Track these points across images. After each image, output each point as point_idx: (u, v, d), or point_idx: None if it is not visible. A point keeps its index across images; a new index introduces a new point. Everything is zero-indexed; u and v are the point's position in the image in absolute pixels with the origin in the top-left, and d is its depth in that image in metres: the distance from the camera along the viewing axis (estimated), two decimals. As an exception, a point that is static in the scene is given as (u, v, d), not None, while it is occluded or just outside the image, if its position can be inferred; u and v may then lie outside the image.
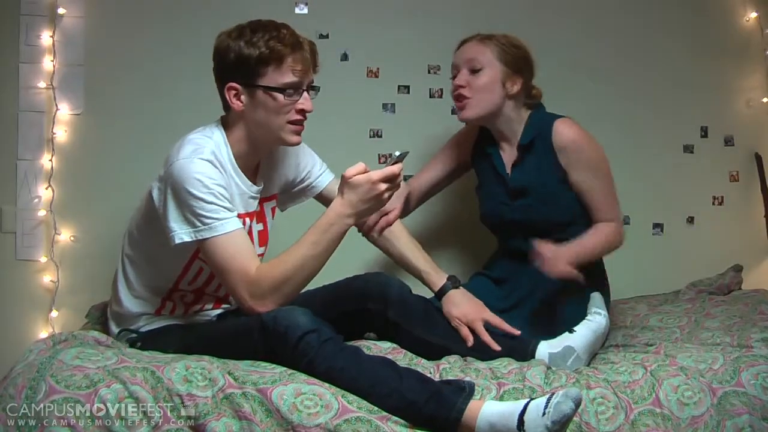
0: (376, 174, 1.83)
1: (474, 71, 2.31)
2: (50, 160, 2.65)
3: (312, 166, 2.23)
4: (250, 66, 1.92)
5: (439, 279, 2.20)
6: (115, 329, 2.12)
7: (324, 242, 1.87)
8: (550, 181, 2.31)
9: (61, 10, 2.67)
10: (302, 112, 1.98)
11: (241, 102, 1.96)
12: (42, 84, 2.66)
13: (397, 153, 1.87)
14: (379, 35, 2.85)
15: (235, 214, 1.93)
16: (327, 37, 2.77)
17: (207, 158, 1.92)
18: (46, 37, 2.66)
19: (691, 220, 3.01)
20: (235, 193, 2.00)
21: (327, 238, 1.87)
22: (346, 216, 1.87)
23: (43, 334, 2.61)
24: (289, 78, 1.94)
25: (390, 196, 1.87)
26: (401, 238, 2.27)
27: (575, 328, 2.07)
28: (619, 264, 2.92)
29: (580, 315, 2.14)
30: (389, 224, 2.26)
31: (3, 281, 2.67)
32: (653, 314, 2.50)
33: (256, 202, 2.11)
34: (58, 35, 2.67)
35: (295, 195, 2.25)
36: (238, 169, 2.02)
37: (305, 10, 2.80)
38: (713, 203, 3.03)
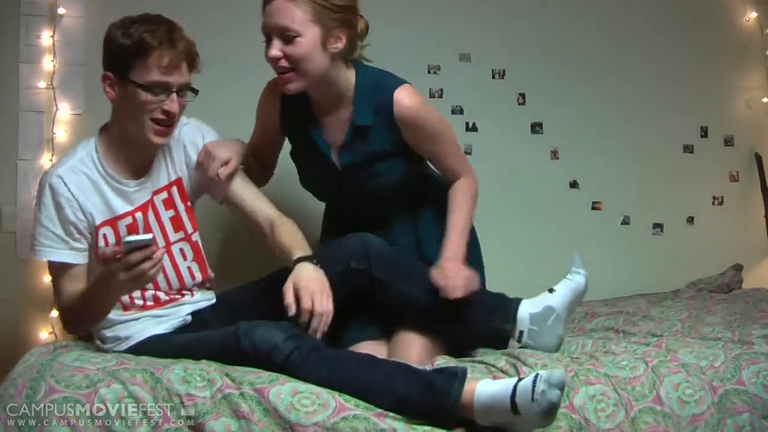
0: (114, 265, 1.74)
1: (287, 39, 2.00)
2: (50, 160, 2.65)
3: None
4: (121, 57, 1.92)
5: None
6: (99, 344, 2.07)
7: (99, 295, 1.87)
8: (385, 152, 2.14)
9: (61, 10, 2.66)
10: (166, 113, 1.94)
11: (114, 92, 1.96)
12: (42, 84, 2.66)
13: (129, 238, 1.73)
14: (380, 35, 2.84)
15: (70, 246, 1.96)
16: (327, 37, 2.77)
17: (59, 175, 1.97)
18: (46, 37, 2.66)
19: (691, 220, 3.02)
20: (107, 194, 2.00)
21: (101, 294, 1.87)
22: (111, 287, 1.81)
23: (43, 334, 2.61)
24: (154, 76, 1.90)
25: (130, 278, 1.73)
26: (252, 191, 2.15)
27: (555, 288, 2.07)
28: (619, 264, 2.93)
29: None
30: (230, 173, 2.08)
31: (3, 281, 2.66)
32: (655, 307, 2.51)
33: (144, 193, 2.05)
34: (58, 35, 2.67)
35: (205, 186, 2.16)
36: (111, 171, 2.01)
37: (305, 10, 2.80)
38: (713, 203, 3.04)
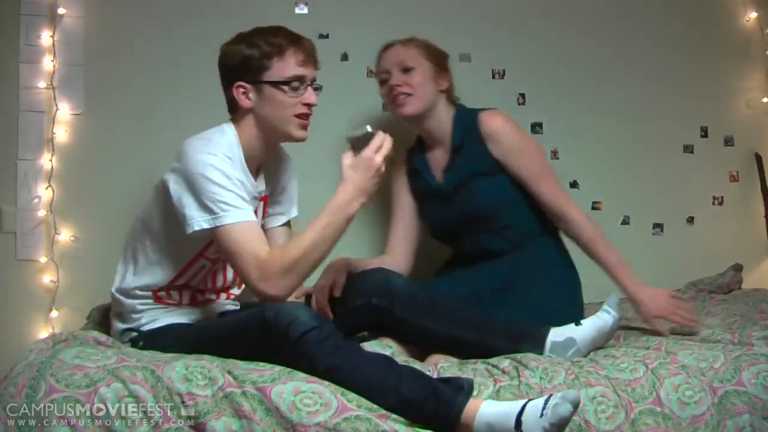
0: (368, 150, 1.92)
1: (406, 71, 2.38)
2: (50, 160, 2.65)
3: (291, 197, 2.29)
4: (254, 62, 2.01)
5: None
6: (118, 324, 2.13)
7: (336, 224, 1.91)
8: (482, 171, 2.37)
9: (61, 10, 2.67)
10: (308, 105, 2.05)
11: (250, 99, 2.03)
12: (42, 84, 2.66)
13: (368, 128, 1.96)
14: (379, 35, 2.84)
15: (251, 208, 1.97)
16: (327, 37, 2.78)
17: (226, 153, 1.98)
18: (46, 37, 2.66)
19: (691, 220, 3.02)
20: (244, 191, 2.03)
21: (339, 219, 1.91)
22: (357, 197, 1.92)
23: (43, 334, 2.61)
24: (293, 70, 2.02)
25: (385, 166, 1.94)
26: None
27: (582, 322, 2.08)
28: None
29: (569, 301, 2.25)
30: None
31: (3, 281, 2.67)
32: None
33: (257, 201, 2.14)
34: (58, 35, 2.67)
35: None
36: (247, 168, 2.06)
37: (305, 10, 2.80)
38: (713, 203, 3.03)
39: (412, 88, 2.37)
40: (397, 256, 2.48)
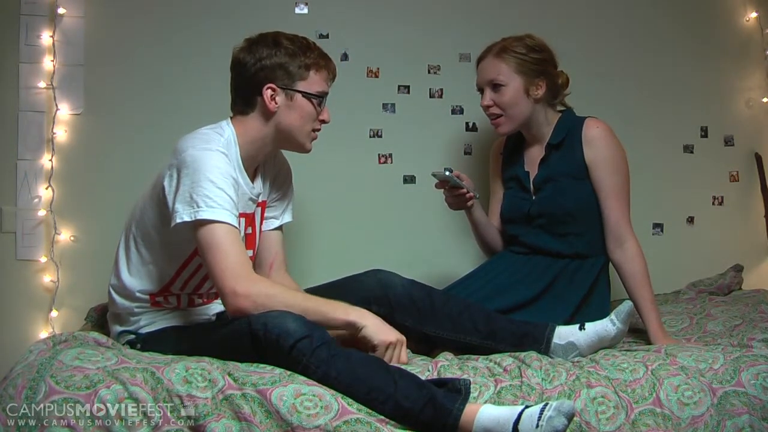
0: (380, 340, 1.93)
1: (496, 88, 2.38)
2: (50, 160, 2.66)
3: (286, 202, 2.29)
4: (292, 69, 2.04)
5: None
6: (115, 327, 2.13)
7: (320, 314, 1.90)
8: (572, 172, 2.39)
9: (61, 10, 2.67)
10: (322, 122, 2.11)
11: (276, 103, 2.04)
12: (42, 84, 2.67)
13: (446, 173, 2.31)
14: (379, 35, 2.85)
15: (236, 215, 1.94)
16: (327, 37, 2.77)
17: (222, 151, 1.98)
18: (46, 37, 2.66)
19: (691, 220, 3.01)
20: (238, 192, 2.03)
21: (329, 312, 1.92)
22: (360, 316, 1.94)
23: (43, 334, 2.61)
24: (322, 87, 2.08)
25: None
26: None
27: (586, 325, 2.08)
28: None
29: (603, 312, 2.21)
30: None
31: (3, 281, 2.67)
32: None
33: (254, 205, 2.14)
34: (58, 35, 2.67)
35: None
36: (243, 169, 2.06)
37: (305, 10, 2.80)
38: (713, 203, 3.03)
39: (502, 109, 2.39)
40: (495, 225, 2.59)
